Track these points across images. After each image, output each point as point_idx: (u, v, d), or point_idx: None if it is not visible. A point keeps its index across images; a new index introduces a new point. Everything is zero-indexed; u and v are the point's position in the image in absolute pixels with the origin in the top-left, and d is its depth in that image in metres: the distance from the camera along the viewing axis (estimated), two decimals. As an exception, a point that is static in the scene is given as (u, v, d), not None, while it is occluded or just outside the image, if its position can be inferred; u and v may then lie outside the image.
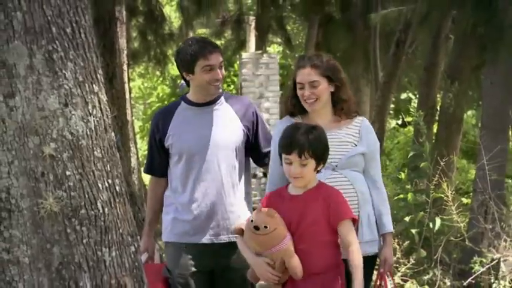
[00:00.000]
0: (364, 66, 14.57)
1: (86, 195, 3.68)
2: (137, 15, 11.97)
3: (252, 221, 4.09)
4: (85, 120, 3.71)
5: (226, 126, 4.75)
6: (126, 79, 11.38)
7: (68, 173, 3.66)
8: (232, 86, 14.40)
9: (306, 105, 4.48)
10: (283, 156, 4.12)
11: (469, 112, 16.10)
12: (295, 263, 4.06)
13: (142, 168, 14.88)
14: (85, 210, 3.68)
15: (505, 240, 8.38)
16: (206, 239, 4.72)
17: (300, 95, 4.47)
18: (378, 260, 4.55)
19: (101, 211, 3.72)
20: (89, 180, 3.69)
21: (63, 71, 3.69)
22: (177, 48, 5.02)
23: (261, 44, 14.22)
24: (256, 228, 4.05)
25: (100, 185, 3.73)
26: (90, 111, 3.74)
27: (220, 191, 4.70)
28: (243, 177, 4.83)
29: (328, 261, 4.12)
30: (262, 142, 4.91)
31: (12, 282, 3.61)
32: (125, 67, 11.31)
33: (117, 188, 3.82)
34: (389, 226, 4.50)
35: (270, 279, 4.15)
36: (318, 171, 4.18)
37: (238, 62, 13.67)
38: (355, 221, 4.15)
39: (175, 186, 4.78)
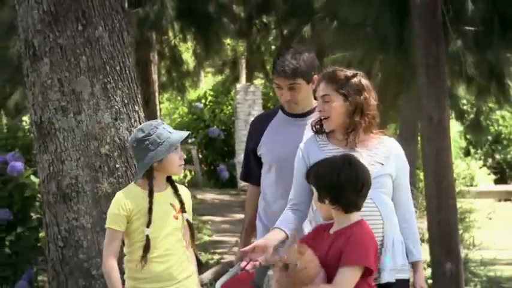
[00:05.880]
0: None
1: (130, 181, 3.66)
2: (165, 59, 12.01)
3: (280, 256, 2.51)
4: (129, 130, 3.70)
5: None
6: (157, 102, 11.38)
7: (117, 166, 3.66)
8: (229, 107, 14.38)
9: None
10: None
11: (391, 125, 16.25)
12: None
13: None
14: (129, 191, 3.67)
15: (415, 212, 8.45)
16: None
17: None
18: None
19: (140, 192, 3.71)
20: (132, 171, 3.68)
21: (114, 96, 3.69)
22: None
23: (250, 78, 14.31)
24: (286, 266, 2.44)
25: (139, 174, 3.72)
26: (133, 123, 3.74)
27: None
28: None
29: None
30: None
31: (79, 241, 3.63)
32: (157, 94, 11.33)
33: (151, 176, 3.81)
34: (418, 255, 2.83)
35: None
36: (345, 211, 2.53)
37: (233, 91, 13.73)
38: (368, 270, 2.47)
39: (265, 195, 3.25)
